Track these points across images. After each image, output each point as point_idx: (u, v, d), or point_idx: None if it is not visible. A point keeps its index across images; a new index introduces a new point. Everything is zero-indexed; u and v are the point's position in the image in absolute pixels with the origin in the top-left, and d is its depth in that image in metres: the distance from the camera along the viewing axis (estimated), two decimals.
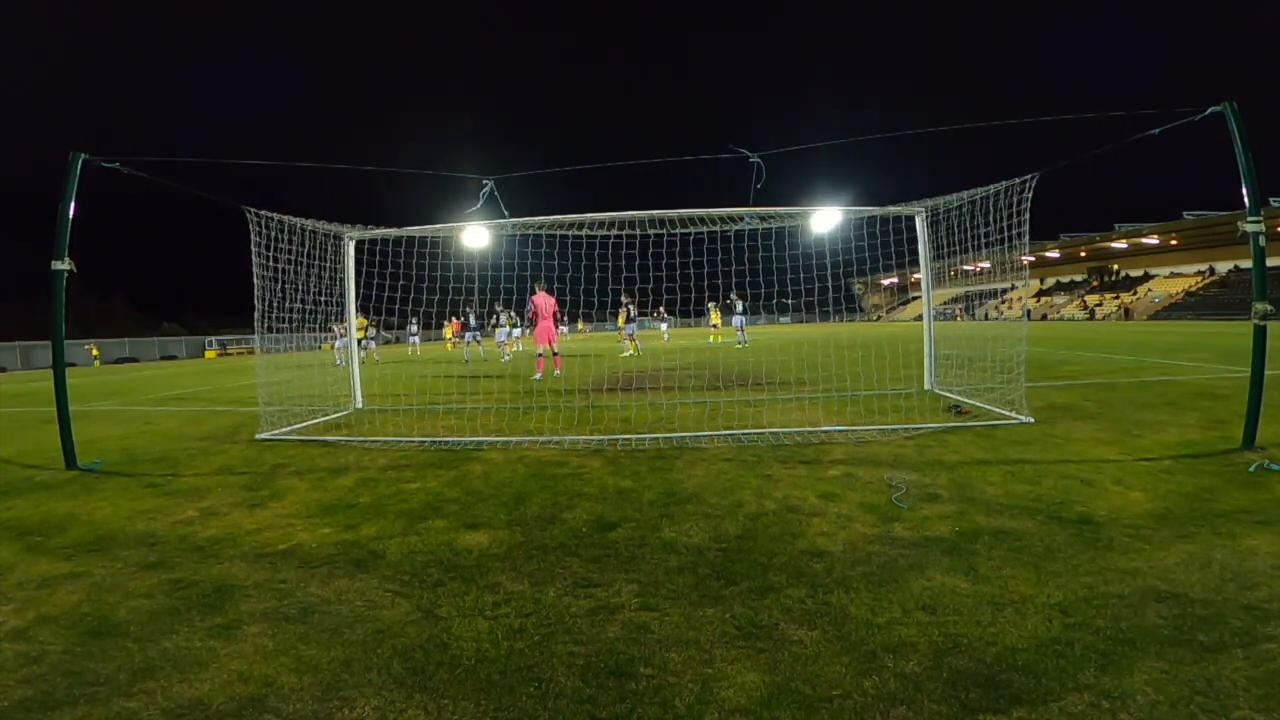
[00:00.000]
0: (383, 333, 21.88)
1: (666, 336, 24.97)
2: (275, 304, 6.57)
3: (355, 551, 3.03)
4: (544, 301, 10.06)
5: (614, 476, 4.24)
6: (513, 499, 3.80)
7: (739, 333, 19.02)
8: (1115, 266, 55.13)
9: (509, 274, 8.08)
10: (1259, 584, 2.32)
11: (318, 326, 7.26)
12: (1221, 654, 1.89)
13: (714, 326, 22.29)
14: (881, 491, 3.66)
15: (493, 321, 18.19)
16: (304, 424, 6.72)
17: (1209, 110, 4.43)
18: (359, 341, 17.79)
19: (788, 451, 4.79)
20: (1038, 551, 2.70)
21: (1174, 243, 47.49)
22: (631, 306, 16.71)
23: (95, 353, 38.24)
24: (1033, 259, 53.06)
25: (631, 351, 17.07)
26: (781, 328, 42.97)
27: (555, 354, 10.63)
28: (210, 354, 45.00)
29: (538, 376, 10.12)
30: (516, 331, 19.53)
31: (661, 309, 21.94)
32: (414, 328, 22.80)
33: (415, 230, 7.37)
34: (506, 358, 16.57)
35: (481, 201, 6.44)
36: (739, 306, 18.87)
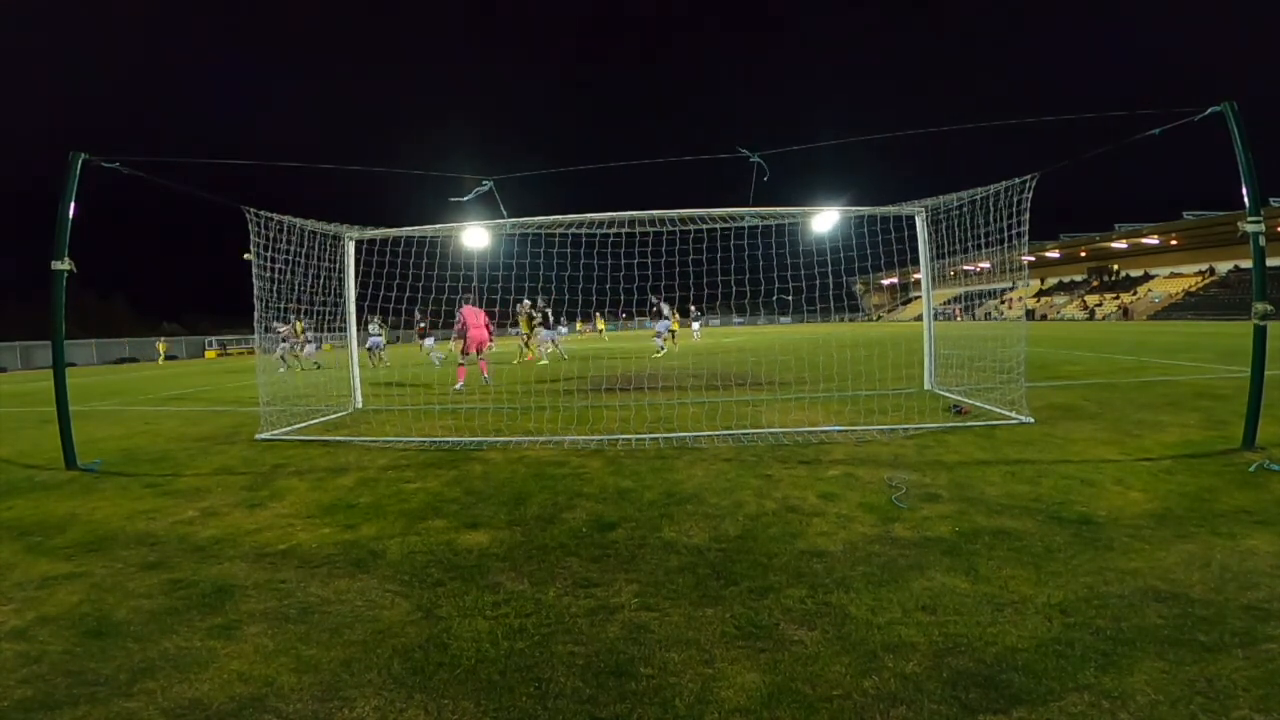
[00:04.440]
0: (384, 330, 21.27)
1: (697, 335, 25.05)
2: (274, 304, 6.57)
3: (355, 551, 3.03)
4: (471, 314, 10.27)
5: (614, 476, 4.24)
6: (513, 499, 3.80)
7: (682, 333, 19.29)
8: (1115, 266, 55.10)
9: (508, 273, 8.08)
10: (1259, 584, 2.32)
11: (314, 326, 7.26)
12: (1221, 654, 1.89)
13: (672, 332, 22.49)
14: (881, 491, 3.65)
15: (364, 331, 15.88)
16: (304, 424, 6.71)
17: (1209, 110, 4.42)
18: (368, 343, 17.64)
19: (788, 451, 4.79)
20: (1038, 551, 2.70)
21: (1174, 243, 47.48)
22: (663, 305, 16.19)
23: (162, 347, 38.69)
24: (1033, 259, 53.05)
25: (668, 349, 16.85)
26: (782, 327, 42.98)
27: (481, 360, 10.50)
28: (210, 354, 44.97)
29: (459, 386, 9.93)
30: (429, 341, 18.05)
31: (694, 307, 22.09)
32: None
33: (415, 230, 7.37)
34: (384, 363, 16.33)
35: (471, 195, 6.41)
36: (693, 311, 19.18)
